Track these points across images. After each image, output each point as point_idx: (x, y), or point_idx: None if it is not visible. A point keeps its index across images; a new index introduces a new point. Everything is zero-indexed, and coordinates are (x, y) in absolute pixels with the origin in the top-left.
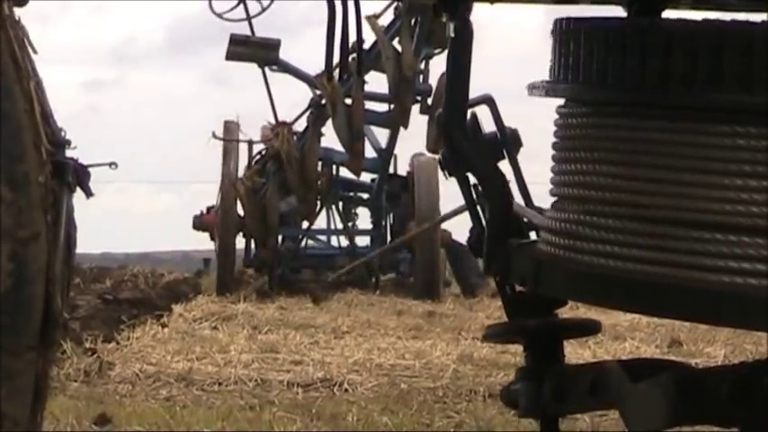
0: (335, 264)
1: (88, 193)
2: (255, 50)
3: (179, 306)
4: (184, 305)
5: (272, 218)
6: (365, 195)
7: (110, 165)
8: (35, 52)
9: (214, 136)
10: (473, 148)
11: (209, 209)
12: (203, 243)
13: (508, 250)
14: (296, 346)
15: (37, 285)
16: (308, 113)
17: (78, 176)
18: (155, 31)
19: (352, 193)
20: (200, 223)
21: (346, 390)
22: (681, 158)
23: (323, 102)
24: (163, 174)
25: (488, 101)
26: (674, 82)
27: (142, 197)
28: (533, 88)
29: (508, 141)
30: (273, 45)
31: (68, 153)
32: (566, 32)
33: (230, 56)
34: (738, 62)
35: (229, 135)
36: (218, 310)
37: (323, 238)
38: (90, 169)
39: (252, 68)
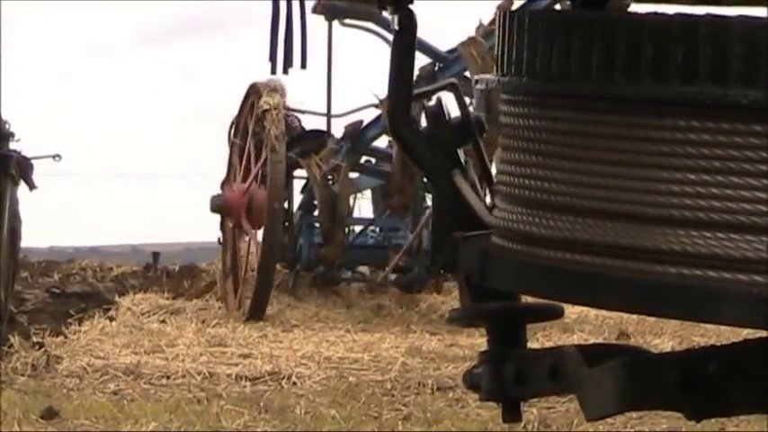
0: (386, 260)
1: (31, 186)
2: (355, 5)
3: (127, 299)
4: (132, 298)
5: (343, 207)
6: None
7: (53, 157)
8: None
9: (287, 108)
10: (416, 137)
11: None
12: (152, 237)
13: (453, 242)
14: (244, 339)
15: None
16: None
17: (22, 169)
18: (125, 25)
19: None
20: (219, 205)
21: (294, 383)
22: (626, 151)
23: (435, 71)
24: (129, 167)
25: (452, 87)
26: (618, 74)
27: (96, 190)
28: (479, 82)
29: (472, 127)
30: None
31: (52, 148)
32: (509, 24)
33: (322, 10)
34: (682, 54)
35: (274, 101)
36: (166, 304)
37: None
38: (61, 162)
39: (221, 63)
